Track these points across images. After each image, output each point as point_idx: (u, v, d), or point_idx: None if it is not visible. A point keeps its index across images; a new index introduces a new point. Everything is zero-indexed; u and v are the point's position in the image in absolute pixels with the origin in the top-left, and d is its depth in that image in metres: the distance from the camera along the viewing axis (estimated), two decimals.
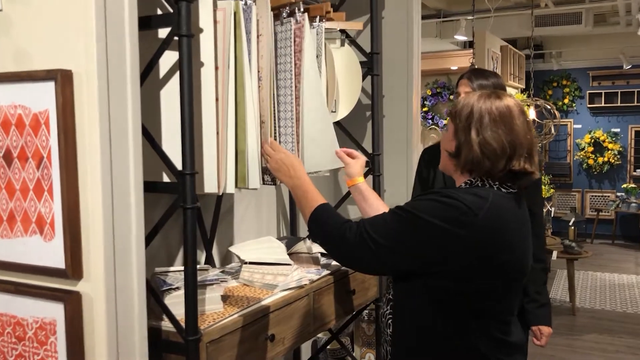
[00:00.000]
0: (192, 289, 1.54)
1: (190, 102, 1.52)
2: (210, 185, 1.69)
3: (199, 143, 1.67)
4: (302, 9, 1.97)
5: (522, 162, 1.43)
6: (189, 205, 1.52)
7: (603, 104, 9.38)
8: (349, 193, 2.59)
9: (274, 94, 1.90)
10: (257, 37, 1.85)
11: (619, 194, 9.33)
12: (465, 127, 1.46)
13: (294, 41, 1.94)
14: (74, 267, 1.39)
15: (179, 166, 1.54)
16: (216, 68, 1.70)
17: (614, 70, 9.25)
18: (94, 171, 1.38)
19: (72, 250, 1.39)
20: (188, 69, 1.51)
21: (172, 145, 1.64)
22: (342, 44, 2.46)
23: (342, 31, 2.47)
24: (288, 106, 1.94)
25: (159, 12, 1.75)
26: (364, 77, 2.53)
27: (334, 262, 2.21)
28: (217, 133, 1.71)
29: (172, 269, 1.83)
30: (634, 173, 9.36)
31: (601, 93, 9.35)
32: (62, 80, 1.36)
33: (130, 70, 1.43)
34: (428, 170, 2.40)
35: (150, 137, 1.62)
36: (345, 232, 1.46)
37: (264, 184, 1.96)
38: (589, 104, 9.50)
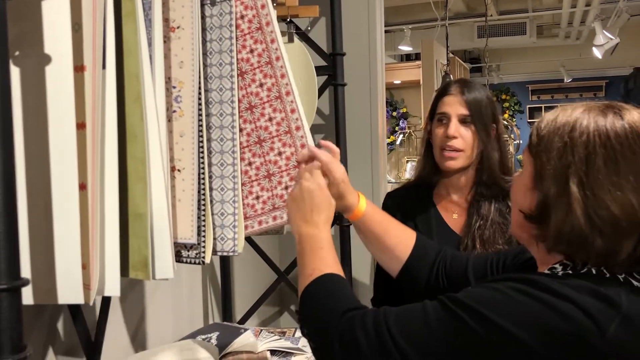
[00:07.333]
0: None
1: (7, 134, 0.71)
2: (68, 292, 0.88)
3: (40, 210, 0.86)
4: None
5: None
6: None
7: None
8: None
9: (229, 126, 1.12)
10: (171, 29, 1.07)
11: None
12: (558, 170, 0.81)
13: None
14: None
15: None
16: (78, 69, 0.91)
17: (552, 83, 9.04)
18: None
19: None
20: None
21: None
22: (291, 39, 1.71)
23: (290, 21, 1.72)
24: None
25: None
26: (323, 89, 1.79)
27: None
28: (84, 188, 0.91)
29: None
30: None
31: (541, 107, 9.08)
32: None
33: None
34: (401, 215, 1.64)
35: None
36: (353, 325, 0.85)
37: (185, 262, 1.18)
38: (529, 118, 9.23)
